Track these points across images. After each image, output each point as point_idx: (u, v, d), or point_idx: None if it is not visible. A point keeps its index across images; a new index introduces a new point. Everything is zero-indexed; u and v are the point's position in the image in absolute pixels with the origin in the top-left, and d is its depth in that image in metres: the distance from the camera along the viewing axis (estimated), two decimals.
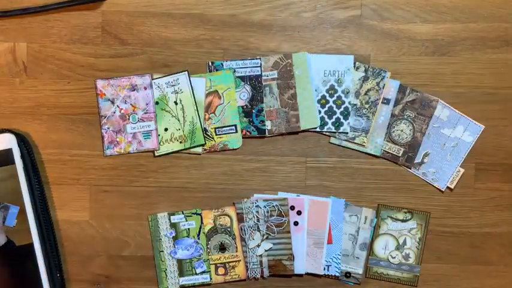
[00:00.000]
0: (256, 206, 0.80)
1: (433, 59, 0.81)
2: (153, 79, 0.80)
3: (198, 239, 0.80)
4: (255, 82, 0.80)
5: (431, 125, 0.81)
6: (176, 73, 0.80)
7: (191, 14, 0.80)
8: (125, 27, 0.80)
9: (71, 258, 0.81)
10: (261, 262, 0.80)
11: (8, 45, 0.80)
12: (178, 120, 0.80)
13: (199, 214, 0.80)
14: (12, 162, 0.76)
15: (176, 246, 0.80)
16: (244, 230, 0.80)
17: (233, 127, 0.80)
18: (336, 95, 0.80)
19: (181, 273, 0.80)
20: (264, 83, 0.80)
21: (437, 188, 0.81)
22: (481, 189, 0.81)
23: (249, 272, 0.80)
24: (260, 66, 0.80)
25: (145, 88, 0.80)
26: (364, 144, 0.80)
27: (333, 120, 0.80)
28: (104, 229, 0.81)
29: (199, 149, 0.80)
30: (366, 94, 0.80)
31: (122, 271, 0.81)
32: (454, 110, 0.81)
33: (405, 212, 0.81)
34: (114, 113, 0.80)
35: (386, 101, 0.80)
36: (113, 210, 0.81)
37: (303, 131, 0.81)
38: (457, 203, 0.81)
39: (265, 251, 0.80)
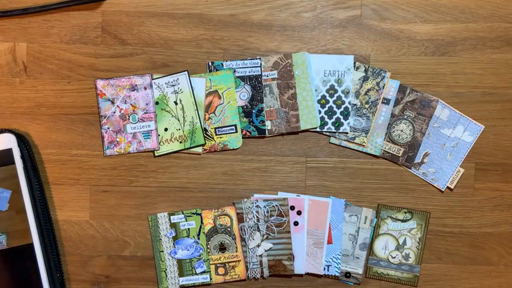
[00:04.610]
0: (256, 206, 0.80)
1: (433, 59, 0.81)
2: (153, 79, 0.80)
3: (198, 239, 0.80)
4: (255, 82, 0.80)
5: (431, 125, 0.81)
6: (176, 73, 0.80)
7: (191, 14, 0.80)
8: (124, 27, 0.80)
9: (71, 258, 0.81)
10: (261, 262, 0.80)
11: (8, 45, 0.80)
12: (178, 120, 0.80)
13: (199, 214, 0.80)
14: (12, 162, 0.76)
15: (176, 246, 0.80)
16: (244, 230, 0.80)
17: (233, 127, 0.80)
18: (336, 95, 0.80)
19: (181, 273, 0.80)
20: (264, 83, 0.80)
21: (437, 188, 0.81)
22: (481, 189, 0.81)
23: (249, 272, 0.80)
24: (260, 66, 0.80)
25: (145, 88, 0.80)
26: (364, 144, 0.80)
27: (333, 120, 0.80)
28: (104, 229, 0.81)
29: (199, 149, 0.80)
30: (366, 94, 0.80)
31: (121, 271, 0.81)
32: (454, 110, 0.81)
33: (405, 212, 0.81)
34: (114, 113, 0.80)
35: (386, 101, 0.80)
36: (113, 210, 0.81)
37: (303, 131, 0.81)
38: (457, 203, 0.81)
39: (265, 251, 0.80)
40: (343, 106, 0.80)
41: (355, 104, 0.80)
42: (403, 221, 0.81)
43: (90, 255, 0.81)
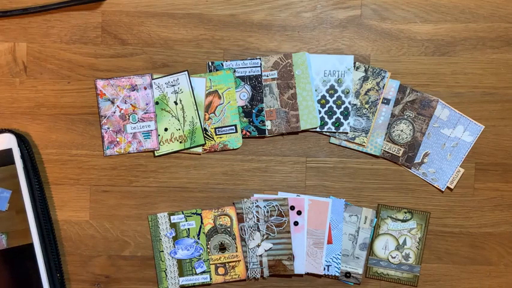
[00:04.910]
0: (256, 206, 0.80)
1: (433, 59, 0.81)
2: (153, 79, 0.80)
3: (198, 239, 0.80)
4: (255, 82, 0.80)
5: (431, 125, 0.81)
6: (176, 73, 0.80)
7: (191, 14, 0.80)
8: (124, 27, 0.80)
9: (71, 258, 0.81)
10: (261, 262, 0.80)
11: (8, 45, 0.80)
12: (178, 120, 0.80)
13: (199, 214, 0.80)
14: (12, 162, 0.76)
15: (176, 246, 0.80)
16: (244, 230, 0.80)
17: (233, 127, 0.80)
18: (336, 95, 0.80)
19: (181, 273, 0.80)
20: (264, 83, 0.80)
21: (437, 188, 0.81)
22: (481, 189, 0.81)
23: (249, 272, 0.80)
24: (260, 66, 0.80)
25: (145, 88, 0.80)
26: (364, 144, 0.80)
27: (333, 120, 0.80)
28: (104, 229, 0.81)
29: (199, 149, 0.80)
30: (366, 94, 0.80)
31: (121, 271, 0.81)
32: (454, 110, 0.81)
33: (405, 212, 0.81)
34: (114, 113, 0.80)
35: (386, 101, 0.80)
36: (113, 210, 0.81)
37: (303, 131, 0.81)
38: (457, 203, 0.81)
39: (265, 251, 0.80)
40: (343, 106, 0.80)
41: (355, 104, 0.80)
42: (403, 221, 0.81)
43: (90, 255, 0.81)
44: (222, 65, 0.80)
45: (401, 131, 0.81)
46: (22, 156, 0.76)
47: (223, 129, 0.80)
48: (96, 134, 0.80)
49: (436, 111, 0.80)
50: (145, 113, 0.80)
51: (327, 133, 0.81)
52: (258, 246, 0.80)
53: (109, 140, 0.80)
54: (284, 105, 0.80)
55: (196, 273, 0.80)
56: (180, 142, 0.80)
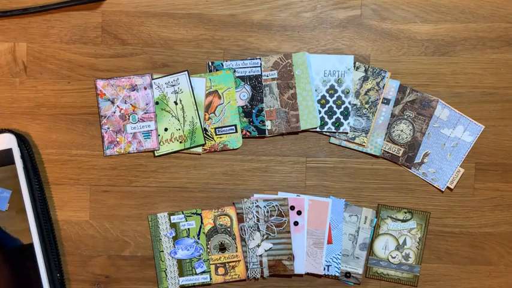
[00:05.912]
0: (256, 206, 0.80)
1: (433, 59, 0.81)
2: (153, 79, 0.80)
3: (198, 239, 0.80)
4: (255, 82, 0.80)
5: (431, 125, 0.81)
6: (176, 73, 0.80)
7: (191, 14, 0.80)
8: (124, 27, 0.80)
9: (71, 258, 0.81)
10: (261, 262, 0.80)
11: (8, 45, 0.80)
12: (178, 120, 0.80)
13: (199, 214, 0.80)
14: (12, 162, 0.76)
15: (176, 246, 0.80)
16: (244, 230, 0.80)
17: (233, 127, 0.80)
18: (336, 95, 0.80)
19: (181, 273, 0.80)
20: (264, 83, 0.80)
21: (437, 188, 0.81)
22: (481, 189, 0.81)
23: (249, 272, 0.80)
24: (260, 66, 0.80)
25: (145, 88, 0.80)
26: (364, 144, 0.80)
27: (333, 120, 0.80)
28: (104, 229, 0.81)
29: (199, 149, 0.80)
30: (366, 94, 0.80)
31: (121, 271, 0.81)
32: (454, 110, 0.81)
33: (405, 212, 0.81)
34: (114, 113, 0.80)
35: (386, 101, 0.80)
36: (113, 210, 0.81)
37: (303, 131, 0.81)
38: (457, 203, 0.81)
39: (265, 251, 0.80)
40: (343, 106, 0.80)
41: (355, 104, 0.80)
42: (403, 221, 0.81)
43: (90, 255, 0.81)
44: (222, 65, 0.80)
45: (401, 131, 0.81)
46: (22, 156, 0.76)
47: (223, 129, 0.80)
48: (96, 134, 0.80)
49: (436, 111, 0.80)
50: (145, 113, 0.80)
51: (327, 133, 0.81)
52: (258, 246, 0.80)
53: (109, 140, 0.80)
54: (284, 105, 0.80)
55: (196, 273, 0.80)
56: (180, 142, 0.80)
